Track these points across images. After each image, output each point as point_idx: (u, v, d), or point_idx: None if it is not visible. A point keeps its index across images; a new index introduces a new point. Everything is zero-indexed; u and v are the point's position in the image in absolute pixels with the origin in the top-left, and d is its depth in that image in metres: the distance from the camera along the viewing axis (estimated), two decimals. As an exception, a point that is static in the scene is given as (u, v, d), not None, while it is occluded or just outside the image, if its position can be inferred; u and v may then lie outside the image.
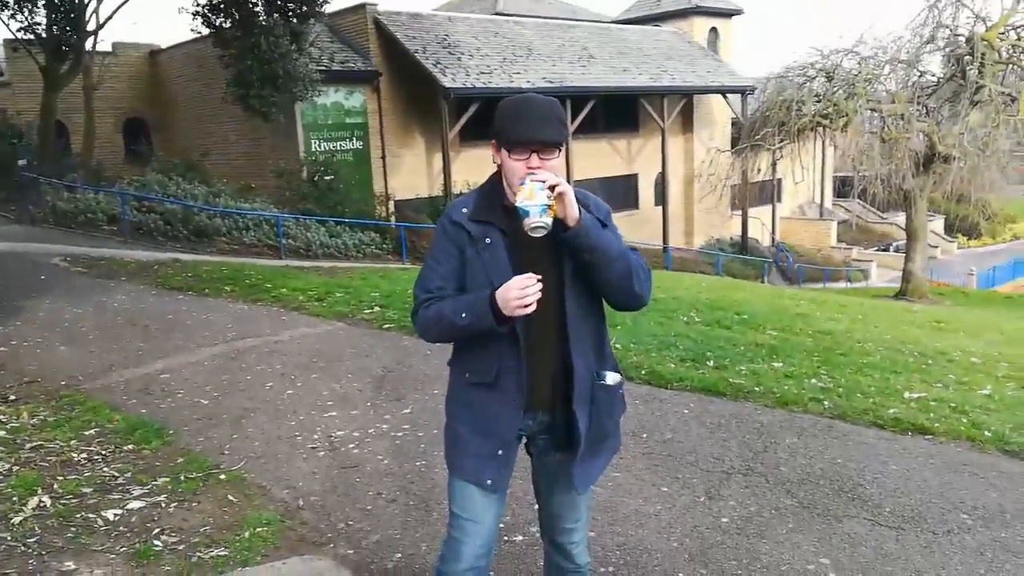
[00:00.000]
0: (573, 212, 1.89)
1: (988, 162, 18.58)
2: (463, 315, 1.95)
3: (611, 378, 2.12)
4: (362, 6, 18.65)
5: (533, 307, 1.86)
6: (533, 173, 1.90)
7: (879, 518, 3.30)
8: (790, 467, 3.85)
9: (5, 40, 18.53)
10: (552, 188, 1.85)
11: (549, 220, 1.86)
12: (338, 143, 18.07)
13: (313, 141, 17.65)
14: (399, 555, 3.09)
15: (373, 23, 18.59)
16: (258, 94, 14.19)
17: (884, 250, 32.91)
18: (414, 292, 2.09)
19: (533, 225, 1.85)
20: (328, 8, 15.56)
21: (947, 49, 18.53)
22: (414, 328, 2.11)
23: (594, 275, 1.97)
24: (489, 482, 2.07)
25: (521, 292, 1.85)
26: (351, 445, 4.24)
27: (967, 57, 17.88)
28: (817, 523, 3.28)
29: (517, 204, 1.88)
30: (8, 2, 15.28)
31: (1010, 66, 18.10)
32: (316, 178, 16.30)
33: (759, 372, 5.57)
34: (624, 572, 2.94)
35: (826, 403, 4.80)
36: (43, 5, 15.62)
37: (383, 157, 18.85)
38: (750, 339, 6.93)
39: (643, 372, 5.46)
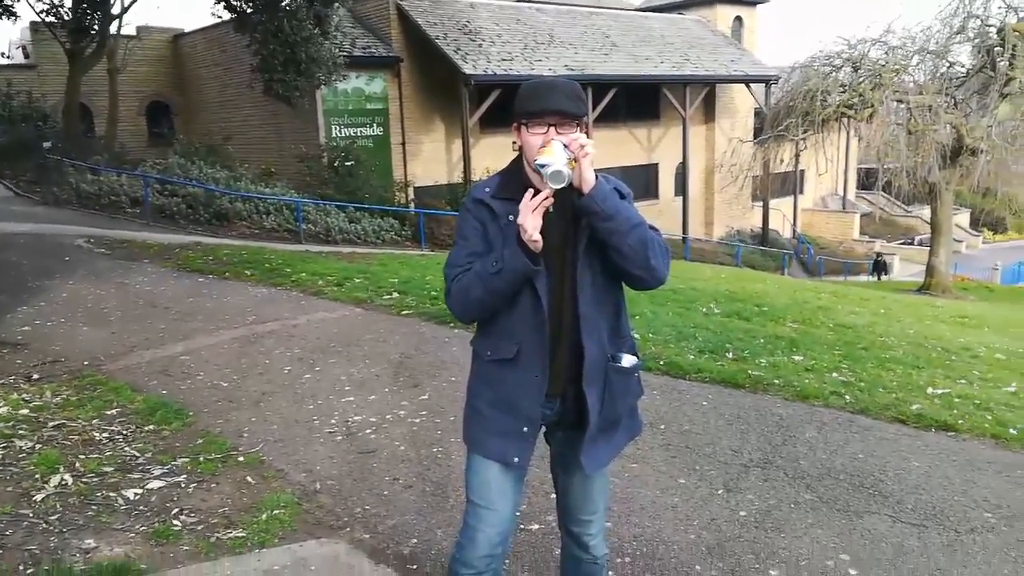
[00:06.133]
0: (589, 176, 1.89)
1: (1016, 156, 18.26)
2: (494, 263, 1.93)
3: (627, 360, 2.10)
4: (384, -9, 18.61)
5: (539, 223, 1.86)
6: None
7: (900, 515, 3.26)
8: (810, 461, 3.80)
9: (31, 22, 18.70)
10: (582, 147, 1.87)
11: (569, 171, 1.85)
12: (358, 129, 18.08)
13: (334, 127, 17.68)
14: (415, 540, 3.10)
15: (395, 9, 18.53)
16: (281, 79, 14.20)
17: (908, 244, 32.48)
18: (444, 273, 2.07)
19: (551, 171, 1.84)
20: (351, -8, 15.55)
21: (977, 40, 18.18)
22: (449, 308, 2.07)
23: (610, 246, 1.95)
24: (516, 459, 2.06)
25: (526, 204, 1.86)
26: (368, 430, 4.26)
27: (997, 48, 17.54)
28: (837, 518, 3.24)
29: (537, 161, 1.88)
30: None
31: (1042, 58, 17.73)
32: (336, 164, 16.34)
33: (779, 365, 5.52)
34: (640, 564, 2.93)
35: (847, 397, 4.74)
36: (68, -12, 15.76)
37: (403, 143, 18.84)
38: (770, 331, 6.87)
39: (661, 363, 5.42)
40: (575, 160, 1.88)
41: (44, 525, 3.08)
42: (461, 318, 2.11)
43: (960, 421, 4.33)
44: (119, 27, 17.31)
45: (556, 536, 2.58)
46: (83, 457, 3.77)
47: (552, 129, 1.92)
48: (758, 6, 27.98)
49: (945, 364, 6.08)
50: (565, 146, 1.88)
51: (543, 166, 1.85)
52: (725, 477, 3.64)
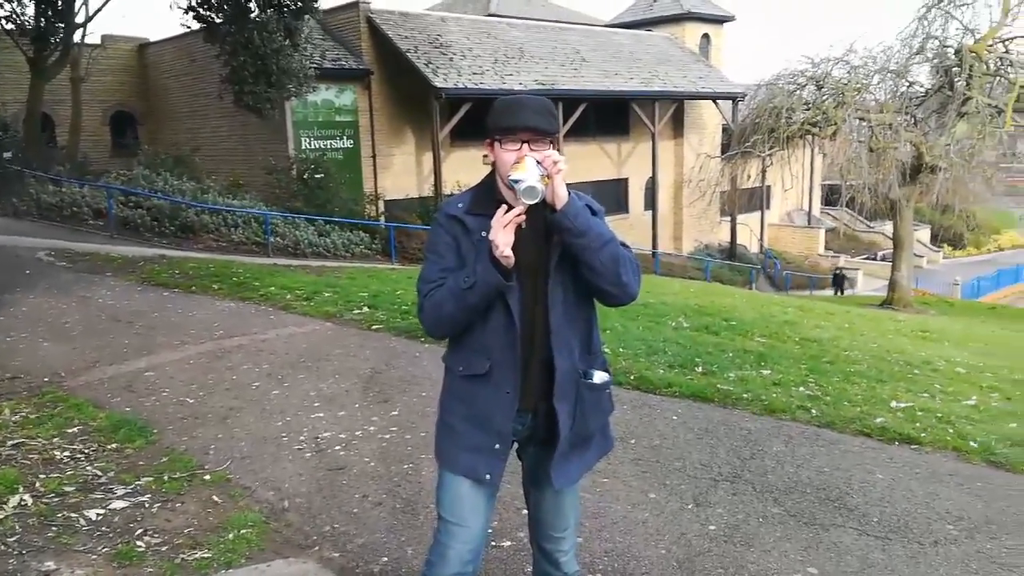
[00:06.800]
0: (562, 192, 1.91)
1: (973, 173, 18.80)
2: (466, 279, 1.94)
3: (598, 376, 2.12)
4: (355, 4, 18.59)
5: (511, 239, 1.88)
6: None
7: (866, 528, 3.31)
8: (777, 475, 3.85)
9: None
10: (555, 163, 1.90)
11: (542, 187, 1.87)
12: (328, 141, 17.99)
13: (303, 139, 17.57)
14: (385, 559, 3.07)
15: (366, 21, 18.53)
16: (252, 90, 14.08)
17: (871, 259, 33.13)
18: (417, 288, 2.07)
19: (525, 187, 1.86)
20: (321, 4, 15.49)
21: (936, 60, 18.69)
22: (422, 324, 2.07)
23: (582, 262, 1.97)
24: (488, 476, 2.06)
25: (498, 220, 1.88)
26: (337, 447, 4.21)
27: (955, 69, 18.05)
28: (804, 532, 3.28)
29: (510, 176, 1.90)
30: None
31: (997, 78, 18.29)
32: (306, 176, 16.22)
33: (747, 379, 5.58)
34: (611, 579, 2.93)
35: (814, 411, 4.81)
36: (31, -3, 15.48)
37: (373, 156, 18.79)
38: (738, 346, 6.95)
39: (632, 377, 5.45)
40: (548, 176, 1.90)
41: (2, 547, 3.00)
42: (433, 333, 2.11)
43: (923, 434, 4.42)
44: (83, 36, 17.06)
45: (528, 553, 2.58)
46: (43, 477, 3.67)
47: (525, 145, 1.95)
48: (725, 24, 28.48)
49: (907, 378, 6.21)
50: (538, 162, 1.90)
51: (516, 182, 1.88)
52: (695, 491, 3.67)
